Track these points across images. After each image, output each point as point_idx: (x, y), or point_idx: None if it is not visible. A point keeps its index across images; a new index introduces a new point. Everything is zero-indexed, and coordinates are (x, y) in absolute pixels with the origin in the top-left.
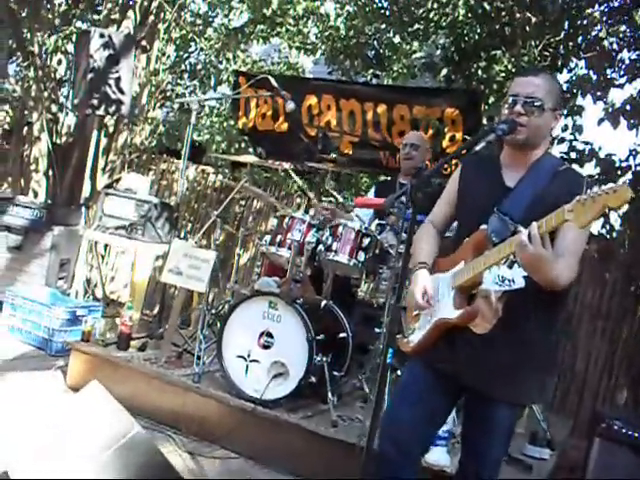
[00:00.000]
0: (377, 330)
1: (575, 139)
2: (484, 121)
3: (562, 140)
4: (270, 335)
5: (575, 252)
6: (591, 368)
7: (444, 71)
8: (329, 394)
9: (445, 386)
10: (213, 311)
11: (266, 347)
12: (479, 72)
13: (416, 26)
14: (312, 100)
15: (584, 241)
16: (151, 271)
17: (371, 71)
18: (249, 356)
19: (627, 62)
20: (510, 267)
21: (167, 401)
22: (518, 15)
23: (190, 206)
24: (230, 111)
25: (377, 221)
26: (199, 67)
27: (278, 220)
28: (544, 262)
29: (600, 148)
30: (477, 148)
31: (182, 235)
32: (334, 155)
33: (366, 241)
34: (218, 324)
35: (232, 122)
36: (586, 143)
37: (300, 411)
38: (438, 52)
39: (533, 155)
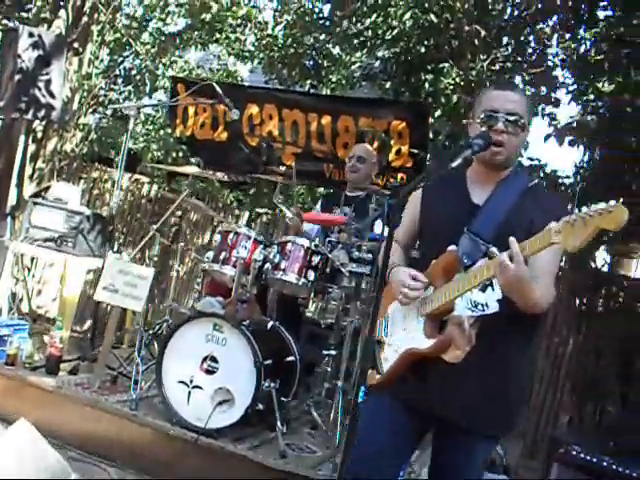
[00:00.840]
0: (325, 352)
1: (520, 155)
2: (430, 135)
3: None
4: (214, 359)
5: (551, 273)
6: (535, 386)
7: (389, 84)
8: (278, 423)
9: (414, 420)
10: (150, 331)
11: (210, 372)
12: (426, 85)
13: (362, 38)
14: (253, 109)
15: (558, 261)
16: (82, 286)
17: (309, 81)
18: (191, 382)
19: (570, 81)
20: (483, 291)
21: (101, 430)
22: (467, 28)
23: (123, 217)
24: (167, 119)
25: (328, 238)
26: (134, 72)
27: (222, 236)
28: (526, 283)
29: (546, 164)
30: (454, 165)
31: (115, 248)
32: (283, 167)
33: (316, 259)
34: (155, 344)
35: (169, 130)
36: (531, 159)
37: (246, 441)
38: (377, 64)
39: (503, 172)
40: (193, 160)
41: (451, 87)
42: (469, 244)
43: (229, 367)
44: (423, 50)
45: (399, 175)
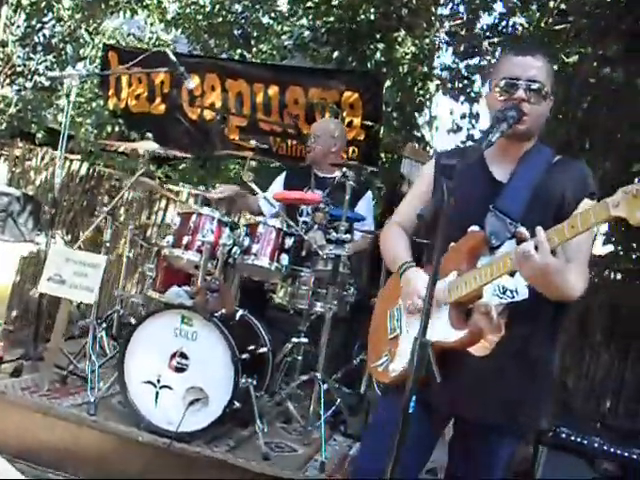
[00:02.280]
0: (295, 340)
1: (473, 127)
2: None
3: (459, 128)
4: (184, 356)
5: (586, 256)
6: None
7: (336, 54)
8: (257, 422)
9: (434, 420)
10: (103, 323)
11: (180, 370)
12: (377, 54)
13: (308, 4)
14: (194, 80)
15: (591, 243)
16: (15, 275)
17: (239, 51)
18: (159, 381)
19: None
20: (512, 275)
21: (55, 439)
22: None
23: (48, 198)
24: (99, 90)
25: (302, 218)
26: (55, 40)
27: (182, 218)
28: (554, 274)
29: None
30: (493, 139)
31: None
32: (254, 142)
33: (289, 241)
34: (104, 338)
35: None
36: (483, 132)
37: (221, 442)
38: (307, 33)
39: (525, 146)
40: (150, 136)
41: (408, 57)
42: (496, 223)
43: (201, 364)
44: (372, 18)
45: (351, 148)
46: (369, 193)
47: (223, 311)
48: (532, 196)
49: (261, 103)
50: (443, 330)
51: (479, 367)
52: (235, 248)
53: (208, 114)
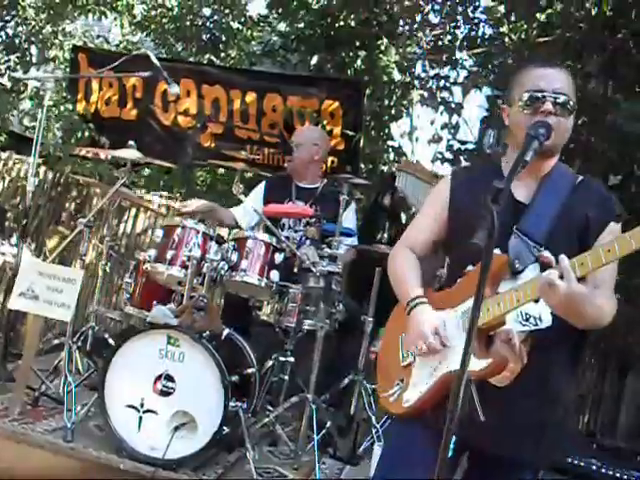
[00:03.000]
0: (282, 358)
1: (454, 138)
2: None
3: (440, 139)
4: (170, 378)
5: (612, 279)
6: None
7: (315, 59)
8: (248, 448)
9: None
10: (76, 341)
11: (165, 394)
12: (358, 62)
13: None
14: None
15: (616, 267)
16: None
17: (207, 56)
18: (142, 405)
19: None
20: (536, 301)
21: (29, 468)
22: (407, 3)
23: (9, 205)
24: (67, 93)
25: (284, 233)
26: (18, 40)
27: (165, 231)
28: (581, 302)
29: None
30: (528, 159)
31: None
32: (244, 153)
33: (279, 257)
34: (78, 357)
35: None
36: (462, 142)
37: (209, 469)
38: (275, 38)
39: (547, 165)
40: (132, 143)
41: (393, 65)
42: (519, 246)
43: (188, 387)
44: (352, 25)
45: (330, 158)
46: (353, 205)
47: (210, 331)
48: (556, 219)
49: (238, 110)
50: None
51: (498, 397)
52: (222, 263)
53: (183, 120)
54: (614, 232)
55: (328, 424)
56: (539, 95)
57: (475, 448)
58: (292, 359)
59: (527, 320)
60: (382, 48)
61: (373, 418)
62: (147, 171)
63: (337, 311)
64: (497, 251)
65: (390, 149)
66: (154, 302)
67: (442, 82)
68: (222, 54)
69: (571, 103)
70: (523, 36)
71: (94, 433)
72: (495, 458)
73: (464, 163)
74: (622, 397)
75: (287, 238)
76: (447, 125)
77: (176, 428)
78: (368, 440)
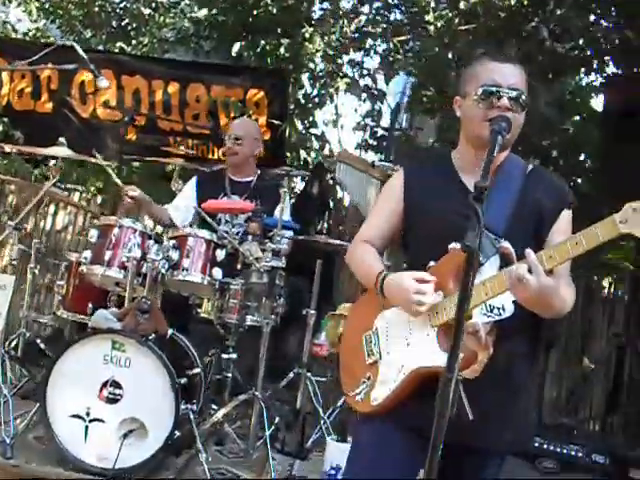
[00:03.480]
0: (225, 356)
1: (377, 125)
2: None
3: (366, 126)
4: (117, 385)
5: (569, 266)
6: None
7: (236, 46)
8: (201, 450)
9: (418, 446)
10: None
11: (112, 401)
12: (281, 50)
13: None
14: (86, 75)
15: None
16: None
17: (118, 44)
18: (88, 415)
19: None
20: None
21: None
22: None
23: None
24: None
25: (231, 228)
26: None
27: (100, 231)
28: (550, 295)
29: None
30: (495, 154)
31: None
32: (183, 148)
33: (220, 254)
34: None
35: None
36: (385, 129)
37: (160, 474)
38: (188, 25)
39: (500, 157)
40: (62, 140)
41: (320, 54)
42: (482, 240)
43: (136, 392)
44: (273, 12)
45: None
46: (287, 196)
47: (155, 333)
48: (512, 209)
49: (160, 101)
50: (431, 354)
51: (467, 390)
52: (163, 262)
53: (102, 113)
54: (567, 219)
55: (277, 420)
56: (494, 90)
57: (446, 443)
58: (234, 356)
59: (491, 311)
60: (306, 36)
61: (320, 410)
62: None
63: (278, 304)
64: (457, 246)
65: (313, 137)
66: (89, 304)
67: (364, 70)
68: (134, 41)
69: (524, 98)
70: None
71: (34, 447)
72: (464, 448)
73: (419, 155)
74: (545, 374)
75: (226, 233)
76: (370, 112)
77: (125, 435)
78: (316, 433)
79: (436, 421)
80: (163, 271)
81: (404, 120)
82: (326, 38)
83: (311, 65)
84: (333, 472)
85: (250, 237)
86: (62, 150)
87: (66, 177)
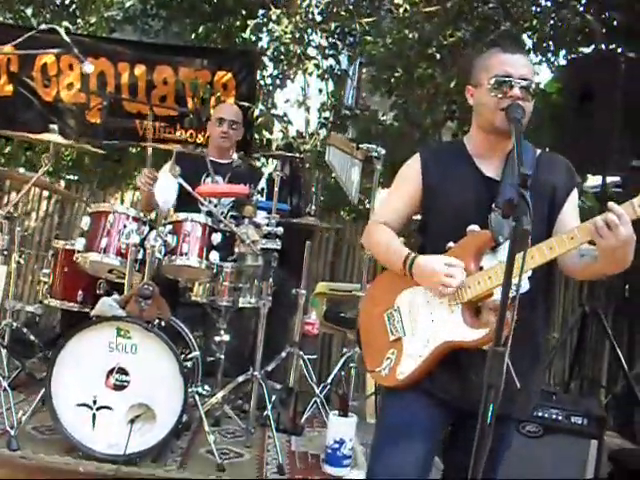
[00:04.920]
0: (217, 338)
1: (340, 105)
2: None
3: (334, 106)
4: (123, 372)
5: None
6: None
7: (201, 28)
8: (208, 431)
9: (446, 416)
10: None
11: (119, 388)
12: (247, 31)
13: None
14: (48, 57)
15: None
16: None
17: (64, 23)
18: (95, 403)
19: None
20: None
21: None
22: None
23: None
24: None
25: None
26: None
27: (93, 218)
28: (632, 245)
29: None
30: (515, 140)
31: None
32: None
33: (217, 238)
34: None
35: None
36: (348, 108)
37: (166, 459)
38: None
39: (510, 143)
40: (54, 127)
41: (288, 36)
42: (500, 221)
43: (143, 378)
44: None
45: None
46: (263, 180)
47: (159, 318)
48: (527, 191)
49: (126, 84)
50: (460, 330)
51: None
52: (160, 248)
53: (66, 95)
54: (575, 199)
55: (273, 398)
56: (507, 80)
57: (464, 410)
58: (227, 338)
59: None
60: (273, 18)
61: (316, 387)
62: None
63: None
64: (476, 227)
65: (275, 119)
66: (79, 292)
67: (330, 51)
68: (79, 20)
69: (533, 87)
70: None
71: (36, 437)
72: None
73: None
74: None
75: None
76: (335, 93)
77: (132, 421)
78: (309, 409)
79: (486, 393)
80: (160, 256)
81: (350, 96)
82: (293, 20)
83: (276, 46)
84: (337, 445)
85: (246, 220)
86: (54, 137)
87: (15, 160)
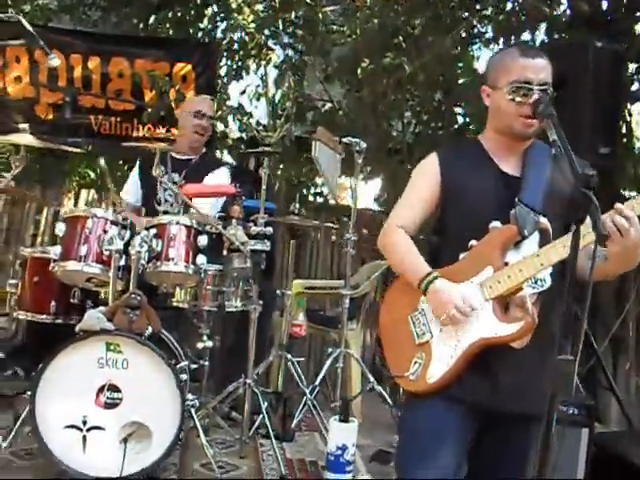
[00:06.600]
0: (200, 345)
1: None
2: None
3: (297, 97)
4: (115, 389)
5: None
6: None
7: (152, 18)
8: (205, 444)
9: (470, 426)
10: None
11: (111, 406)
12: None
13: None
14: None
15: None
16: None
17: None
18: (85, 423)
19: None
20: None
21: None
22: None
23: None
24: None
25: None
26: None
27: (69, 224)
28: None
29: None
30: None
31: None
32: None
33: (203, 240)
34: None
35: None
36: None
37: (161, 474)
38: None
39: (526, 143)
40: (25, 126)
41: (252, 26)
42: (525, 216)
43: (136, 394)
44: None
45: None
46: (224, 168)
47: (150, 330)
48: (548, 189)
49: (80, 77)
50: (490, 326)
51: (517, 359)
52: (144, 254)
53: (13, 90)
54: None
55: (265, 405)
56: (527, 86)
57: (491, 410)
58: (210, 344)
59: (536, 283)
60: (234, 6)
61: (307, 390)
62: None
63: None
64: (497, 224)
65: (231, 110)
66: (51, 302)
67: (290, 39)
68: (11, 10)
69: (550, 89)
70: None
71: (14, 463)
72: (511, 417)
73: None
74: None
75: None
76: (290, 84)
77: (124, 440)
78: (298, 414)
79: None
80: (144, 263)
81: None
82: (254, 9)
83: (235, 37)
84: (339, 452)
85: (234, 221)
86: (25, 137)
87: None
